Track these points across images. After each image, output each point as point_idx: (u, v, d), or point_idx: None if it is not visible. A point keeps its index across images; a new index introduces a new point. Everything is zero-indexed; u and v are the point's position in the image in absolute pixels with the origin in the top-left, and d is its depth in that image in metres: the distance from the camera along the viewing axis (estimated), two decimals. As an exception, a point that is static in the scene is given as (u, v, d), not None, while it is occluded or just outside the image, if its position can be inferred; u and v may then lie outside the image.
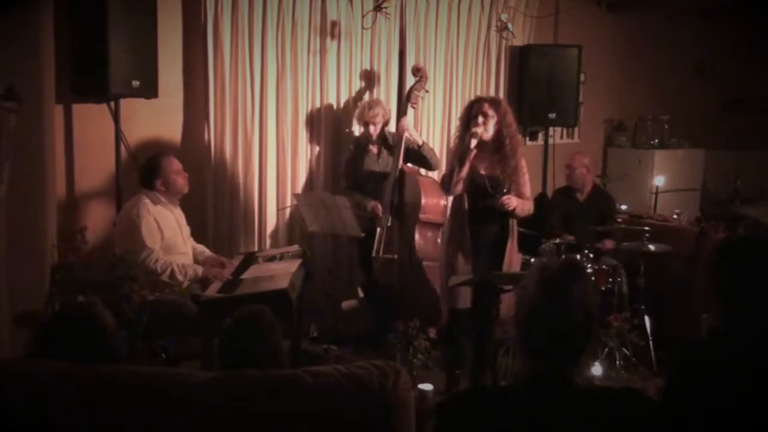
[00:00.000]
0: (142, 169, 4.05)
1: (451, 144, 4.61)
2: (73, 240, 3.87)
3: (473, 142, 3.83)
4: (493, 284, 3.68)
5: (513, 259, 4.00)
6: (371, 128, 4.73)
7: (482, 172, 3.94)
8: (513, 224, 4.00)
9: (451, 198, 4.12)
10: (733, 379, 1.84)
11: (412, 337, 3.70)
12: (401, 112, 4.78)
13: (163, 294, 3.91)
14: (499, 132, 3.93)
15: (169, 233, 3.95)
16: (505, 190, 3.90)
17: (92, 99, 4.38)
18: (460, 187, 3.92)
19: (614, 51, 6.36)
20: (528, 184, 4.04)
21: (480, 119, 3.89)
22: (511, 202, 3.85)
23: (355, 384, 2.07)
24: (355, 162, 4.86)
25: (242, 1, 4.68)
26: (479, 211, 3.96)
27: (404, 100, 4.81)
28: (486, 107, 3.91)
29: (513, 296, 1.84)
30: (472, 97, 4.35)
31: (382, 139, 4.81)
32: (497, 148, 3.93)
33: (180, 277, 3.82)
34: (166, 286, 3.87)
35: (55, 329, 2.26)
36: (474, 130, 3.85)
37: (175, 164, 4.02)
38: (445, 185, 4.04)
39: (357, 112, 4.84)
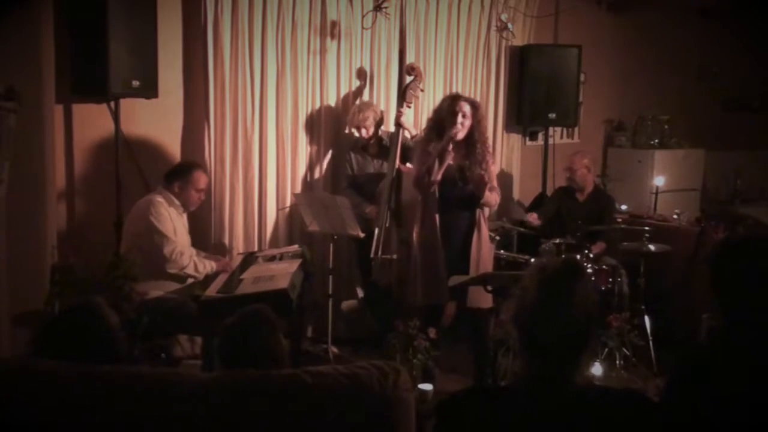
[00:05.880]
0: (174, 167, 4.21)
1: (416, 140, 4.58)
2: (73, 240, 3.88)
3: (450, 144, 3.88)
4: (491, 283, 3.70)
5: (483, 250, 4.05)
6: (363, 131, 4.74)
7: (451, 162, 3.97)
8: (480, 215, 4.05)
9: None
10: (733, 380, 1.84)
11: (412, 337, 3.70)
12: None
13: (163, 294, 3.93)
14: (471, 135, 3.97)
15: (178, 235, 4.03)
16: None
17: (92, 99, 4.37)
18: (434, 187, 3.99)
19: (614, 51, 6.35)
20: (494, 176, 4.11)
21: (459, 119, 3.93)
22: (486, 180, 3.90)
23: (355, 384, 2.06)
24: (352, 165, 4.87)
25: (242, 1, 4.67)
26: (449, 201, 4.01)
27: (399, 99, 4.81)
28: (465, 108, 3.97)
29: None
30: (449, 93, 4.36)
31: (378, 140, 4.81)
32: (468, 150, 3.98)
33: (201, 269, 3.97)
34: (173, 280, 3.93)
35: (61, 328, 2.26)
36: (454, 131, 3.90)
37: (202, 182, 4.16)
38: (422, 184, 4.04)
39: (349, 116, 4.84)
